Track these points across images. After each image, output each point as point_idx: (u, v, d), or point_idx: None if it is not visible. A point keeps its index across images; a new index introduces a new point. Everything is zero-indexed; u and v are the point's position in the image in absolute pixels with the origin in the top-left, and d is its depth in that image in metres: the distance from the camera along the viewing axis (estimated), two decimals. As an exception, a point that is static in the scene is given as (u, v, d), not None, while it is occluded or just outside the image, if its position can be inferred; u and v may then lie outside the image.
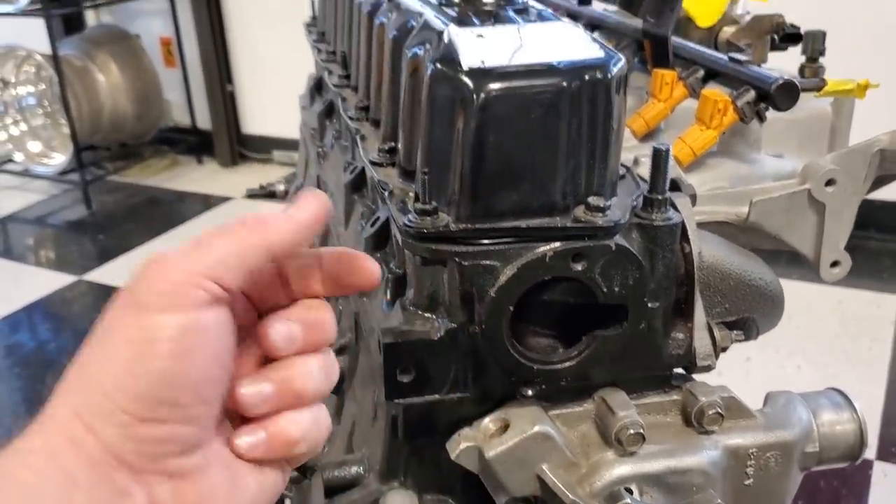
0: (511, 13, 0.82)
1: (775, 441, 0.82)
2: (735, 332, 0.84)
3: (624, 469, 0.77)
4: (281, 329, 0.57)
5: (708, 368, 0.82)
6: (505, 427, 0.77)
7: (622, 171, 0.82)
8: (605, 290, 0.74)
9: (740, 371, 2.66)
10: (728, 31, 1.22)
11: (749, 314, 0.89)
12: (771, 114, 1.08)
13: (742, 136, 0.98)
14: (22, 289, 3.66)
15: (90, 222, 4.46)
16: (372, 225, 0.93)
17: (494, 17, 0.81)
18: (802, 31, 1.22)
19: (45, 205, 4.68)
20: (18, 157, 4.76)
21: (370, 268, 0.61)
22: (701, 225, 0.92)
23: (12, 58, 4.68)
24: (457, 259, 0.72)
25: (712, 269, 0.84)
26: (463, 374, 0.77)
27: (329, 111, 1.42)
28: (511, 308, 0.73)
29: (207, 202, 4.59)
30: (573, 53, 0.73)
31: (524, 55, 0.72)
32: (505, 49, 0.73)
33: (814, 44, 1.15)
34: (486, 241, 0.72)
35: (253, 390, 0.56)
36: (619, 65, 0.73)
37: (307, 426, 0.57)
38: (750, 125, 0.97)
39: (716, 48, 1.22)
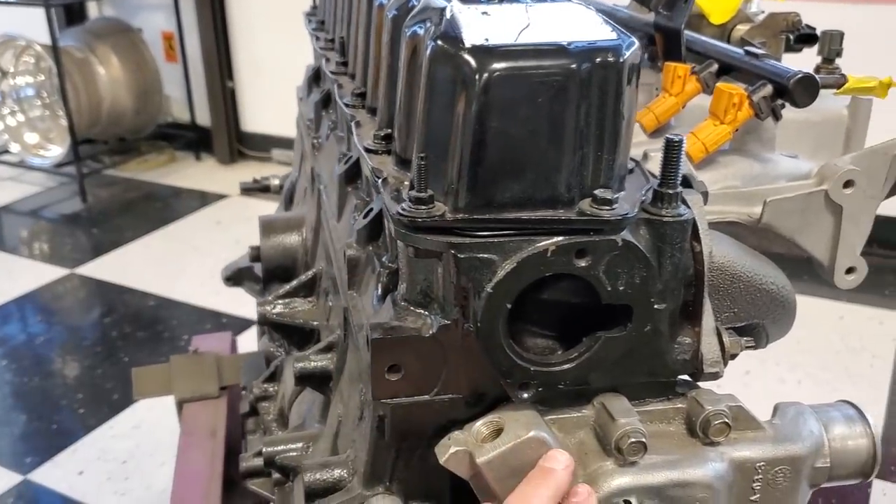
0: (518, -7, 0.77)
1: (785, 455, 0.78)
2: (745, 338, 0.79)
3: (624, 480, 0.72)
4: None
5: (715, 376, 0.77)
6: (498, 431, 0.73)
7: (631, 165, 0.78)
8: (609, 288, 0.69)
9: (739, 384, 2.61)
10: (742, 29, 1.18)
11: (759, 320, 0.85)
12: (785, 115, 1.04)
13: (756, 134, 0.94)
14: (14, 281, 3.61)
15: (85, 216, 4.40)
16: (365, 216, 0.88)
17: (500, -3, 0.76)
18: (818, 32, 1.18)
19: (40, 197, 4.63)
20: (14, 148, 4.71)
21: None
22: (711, 225, 0.87)
23: (11, 47, 4.64)
24: (452, 251, 0.67)
25: (722, 270, 0.80)
26: (455, 375, 0.72)
27: (326, 101, 1.37)
28: (508, 305, 0.69)
29: (204, 199, 4.54)
30: (584, 34, 0.68)
31: (532, 34, 0.68)
32: (511, 28, 0.69)
33: (830, 44, 1.11)
34: (483, 233, 0.68)
35: None
36: (632, 49, 0.69)
37: None
38: (764, 123, 0.93)
39: (728, 46, 1.17)
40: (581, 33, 0.69)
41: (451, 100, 0.67)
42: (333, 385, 0.97)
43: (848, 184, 0.84)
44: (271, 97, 4.75)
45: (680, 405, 0.78)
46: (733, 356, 0.78)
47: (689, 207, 0.74)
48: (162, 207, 4.49)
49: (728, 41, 1.19)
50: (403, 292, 0.74)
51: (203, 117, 5.03)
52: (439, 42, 0.68)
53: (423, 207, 0.68)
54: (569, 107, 0.67)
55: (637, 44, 0.70)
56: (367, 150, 0.85)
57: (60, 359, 3.05)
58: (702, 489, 0.73)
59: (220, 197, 4.52)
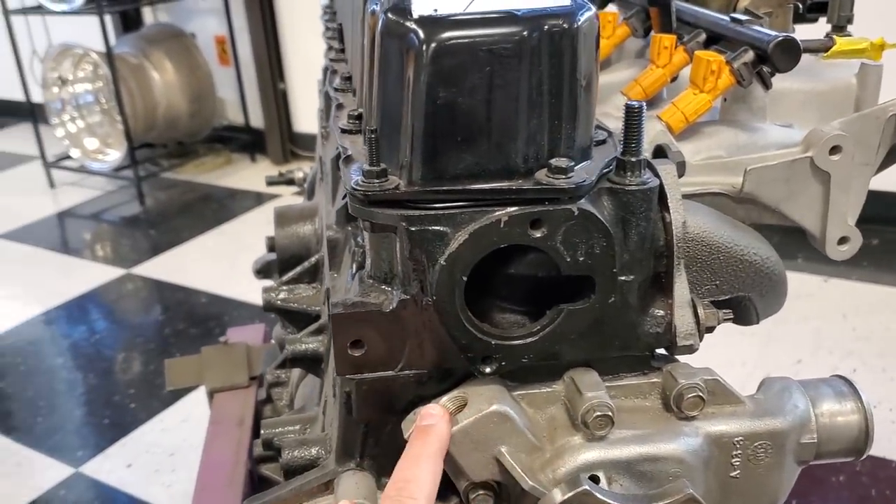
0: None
1: (764, 430, 0.75)
2: (723, 310, 0.77)
3: (591, 455, 0.71)
4: None
5: (690, 349, 0.75)
6: (462, 406, 0.72)
7: (602, 135, 0.76)
8: (568, 259, 0.68)
9: (791, 373, 2.54)
10: (747, 0, 1.14)
11: (744, 293, 0.82)
12: (789, 84, 1.01)
13: (744, 103, 0.91)
14: (74, 281, 3.72)
15: (143, 218, 4.52)
16: (344, 197, 0.88)
17: (458, -30, 0.75)
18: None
19: (100, 201, 4.77)
20: (75, 153, 4.85)
21: None
22: (694, 196, 0.85)
23: (70, 56, 4.78)
24: (404, 224, 0.67)
25: (698, 241, 0.78)
26: (419, 350, 0.72)
27: (335, 90, 1.38)
28: (464, 278, 0.68)
29: (259, 199, 4.62)
30: (536, 1, 0.67)
31: (482, 4, 0.67)
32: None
33: (840, 10, 1.07)
34: (436, 206, 0.67)
35: None
36: (586, 14, 0.67)
37: None
38: (753, 92, 0.90)
39: (733, 18, 1.14)
40: (534, 1, 0.67)
41: (401, 72, 0.67)
42: (325, 366, 0.97)
43: (834, 150, 0.81)
44: (322, 96, 4.80)
45: (656, 380, 0.76)
46: (710, 329, 0.76)
47: (657, 176, 0.72)
48: (218, 208, 4.58)
49: (734, 13, 1.16)
50: (369, 269, 0.74)
51: (256, 119, 5.11)
52: (389, 15, 0.68)
53: (376, 181, 0.67)
54: (520, 75, 0.65)
55: (593, 10, 0.69)
56: (343, 131, 0.85)
57: (115, 355, 3.14)
58: (674, 464, 0.72)
59: (274, 197, 4.58)
